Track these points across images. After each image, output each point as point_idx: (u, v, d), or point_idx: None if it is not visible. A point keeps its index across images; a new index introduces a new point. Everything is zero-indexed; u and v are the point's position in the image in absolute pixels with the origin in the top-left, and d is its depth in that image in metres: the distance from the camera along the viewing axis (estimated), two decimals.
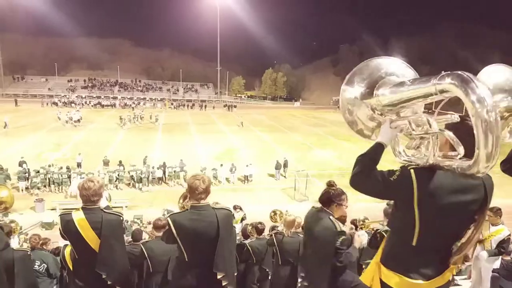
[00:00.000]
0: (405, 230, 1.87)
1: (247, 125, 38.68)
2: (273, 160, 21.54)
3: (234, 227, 3.41)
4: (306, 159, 24.38)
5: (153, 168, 19.17)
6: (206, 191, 2.86)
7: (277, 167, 20.61)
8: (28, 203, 15.79)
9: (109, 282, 3.00)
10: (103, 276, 2.97)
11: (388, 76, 1.99)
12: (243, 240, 6.06)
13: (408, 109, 1.96)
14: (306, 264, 3.37)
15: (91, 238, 2.94)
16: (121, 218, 3.14)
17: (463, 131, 1.66)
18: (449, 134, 1.73)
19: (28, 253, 3.59)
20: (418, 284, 1.86)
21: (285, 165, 20.91)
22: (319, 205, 3.28)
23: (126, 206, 15.74)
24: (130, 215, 14.04)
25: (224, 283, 2.89)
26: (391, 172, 1.86)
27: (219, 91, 72.80)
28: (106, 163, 20.37)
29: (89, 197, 2.94)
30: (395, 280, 1.92)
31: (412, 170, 1.80)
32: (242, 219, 12.20)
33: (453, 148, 1.74)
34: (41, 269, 5.01)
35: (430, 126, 1.78)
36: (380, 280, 1.99)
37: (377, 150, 1.95)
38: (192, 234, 2.78)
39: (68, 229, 2.94)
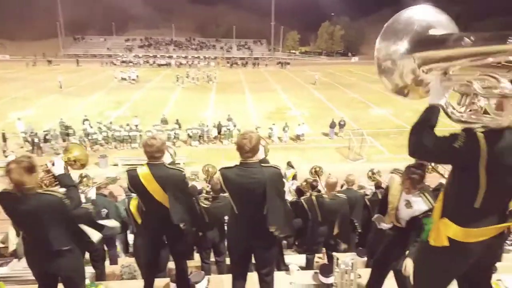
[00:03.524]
0: (467, 193, 1.84)
1: (300, 82, 37.78)
2: (327, 119, 20.95)
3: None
4: (362, 117, 23.42)
5: (207, 126, 19.52)
6: (253, 150, 2.89)
7: (332, 125, 20.04)
8: (92, 159, 16.92)
9: (184, 228, 3.23)
10: (181, 226, 3.19)
11: (427, 29, 1.85)
12: (297, 198, 6.11)
13: (456, 67, 1.80)
14: None
15: (156, 191, 3.13)
16: (184, 173, 3.28)
17: None
18: None
19: None
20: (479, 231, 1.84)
21: (342, 125, 20.25)
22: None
23: (184, 163, 16.35)
24: (187, 171, 14.54)
25: (276, 233, 2.98)
26: (453, 138, 1.76)
27: (273, 47, 71.18)
28: (164, 121, 21.09)
29: (153, 154, 3.13)
30: (457, 232, 1.89)
31: (480, 134, 1.72)
32: (294, 177, 12.20)
33: None
34: (102, 214, 5.40)
35: (500, 88, 1.61)
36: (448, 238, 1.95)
37: (432, 112, 1.84)
38: (239, 189, 2.92)
39: (134, 183, 3.15)
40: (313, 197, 5.06)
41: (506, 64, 1.61)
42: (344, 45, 77.07)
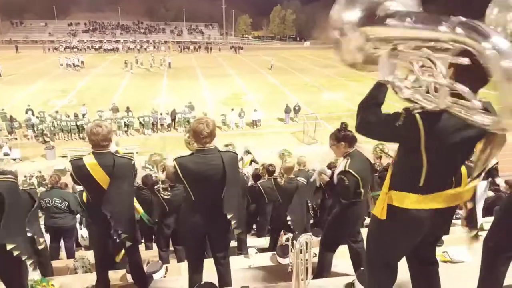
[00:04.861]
0: (412, 172, 1.88)
1: (255, 67, 37.76)
2: (282, 104, 21.17)
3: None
4: (315, 102, 23.93)
5: (161, 114, 19.05)
6: (211, 135, 2.83)
7: (287, 110, 20.30)
8: (39, 150, 16.00)
9: (112, 223, 3.04)
10: (108, 216, 3.01)
11: (386, 2, 1.80)
12: (253, 182, 6.18)
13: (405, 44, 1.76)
14: None
15: (104, 180, 2.98)
16: (132, 161, 3.16)
17: (476, 76, 1.54)
18: (460, 86, 1.56)
19: None
20: (427, 197, 1.88)
21: (297, 110, 20.55)
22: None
23: (137, 152, 15.87)
24: (141, 160, 14.18)
25: (233, 222, 2.98)
26: (396, 116, 1.79)
27: (225, 31, 70.23)
28: (115, 110, 20.22)
29: (99, 142, 2.96)
30: (404, 198, 1.94)
31: (417, 115, 1.74)
32: (251, 162, 12.31)
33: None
34: (62, 206, 5.31)
35: (436, 72, 1.60)
36: (388, 205, 2.01)
37: (379, 90, 1.86)
38: (198, 176, 2.84)
39: (81, 173, 2.98)
40: (272, 180, 5.15)
41: (449, 47, 1.59)
42: (296, 30, 77.73)
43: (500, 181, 6.41)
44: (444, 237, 4.06)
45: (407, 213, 1.94)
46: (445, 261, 3.49)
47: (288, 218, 5.00)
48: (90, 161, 2.95)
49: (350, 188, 3.11)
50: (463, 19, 1.48)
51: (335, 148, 3.29)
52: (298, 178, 5.02)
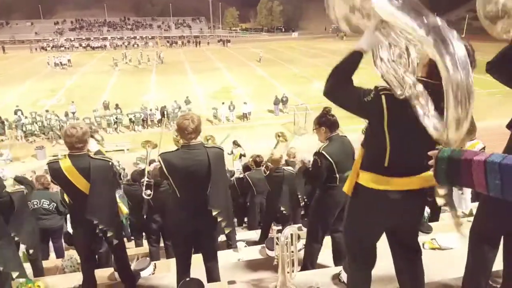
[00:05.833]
0: (377, 152, 1.90)
1: (243, 60, 37.55)
2: (271, 96, 21.13)
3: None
4: (305, 92, 23.92)
5: (150, 110, 18.89)
6: (196, 131, 2.81)
7: (276, 102, 20.31)
8: (29, 151, 15.83)
9: (100, 226, 3.02)
10: (95, 222, 2.99)
11: None
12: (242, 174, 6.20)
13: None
14: None
15: (81, 184, 2.93)
16: (110, 163, 3.07)
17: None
18: (420, 89, 1.64)
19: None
20: (392, 179, 1.89)
21: (284, 101, 20.54)
22: None
23: (128, 149, 15.78)
24: (132, 157, 14.09)
25: (219, 219, 2.98)
26: (366, 92, 1.81)
27: (212, 25, 69.64)
28: (106, 106, 20.07)
29: (73, 144, 2.89)
30: (370, 178, 1.96)
31: (383, 96, 1.78)
32: (241, 155, 12.32)
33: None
34: (51, 208, 5.26)
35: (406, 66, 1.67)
36: (356, 183, 2.05)
37: (354, 57, 1.83)
38: (183, 172, 2.82)
39: (58, 177, 2.94)
40: (260, 171, 5.15)
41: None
42: (283, 21, 77.26)
43: None
44: (432, 224, 4.11)
45: (371, 192, 1.96)
46: (433, 248, 3.52)
47: (282, 208, 5.02)
48: (65, 165, 2.90)
49: (322, 170, 3.16)
50: (439, 23, 1.48)
51: (317, 132, 3.35)
52: (285, 167, 5.03)
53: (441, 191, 1.66)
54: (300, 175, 5.61)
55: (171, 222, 3.12)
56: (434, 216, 4.73)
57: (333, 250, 3.62)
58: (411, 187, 1.91)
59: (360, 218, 2.11)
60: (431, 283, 2.70)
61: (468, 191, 5.79)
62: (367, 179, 1.98)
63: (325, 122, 3.25)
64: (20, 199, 3.76)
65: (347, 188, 2.12)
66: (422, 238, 3.61)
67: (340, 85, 1.87)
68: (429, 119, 1.63)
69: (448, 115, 1.45)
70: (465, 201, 5.04)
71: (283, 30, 76.03)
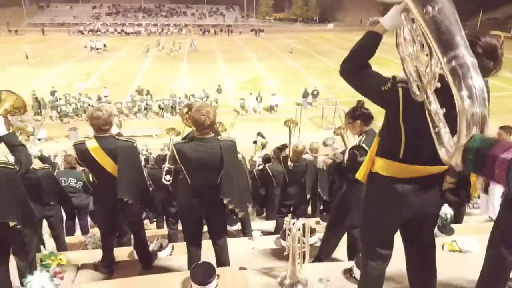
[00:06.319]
0: (393, 142, 1.88)
1: (275, 51, 37.26)
2: (301, 88, 20.87)
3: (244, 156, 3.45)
4: (336, 86, 23.43)
5: (179, 98, 19.21)
6: (212, 125, 2.86)
7: (305, 95, 20.04)
8: (63, 131, 16.50)
9: (131, 203, 3.17)
10: (129, 201, 3.14)
11: None
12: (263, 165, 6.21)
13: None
14: None
15: (108, 164, 3.05)
16: (134, 144, 3.20)
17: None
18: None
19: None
20: (408, 167, 1.86)
21: (315, 95, 20.19)
22: None
23: (156, 135, 16.14)
24: (160, 143, 14.43)
25: (230, 207, 3.08)
26: (383, 81, 1.77)
27: (246, 14, 69.32)
28: (140, 92, 20.59)
29: (100, 126, 3.01)
30: (385, 165, 1.94)
31: (400, 89, 1.74)
32: (263, 146, 12.39)
33: None
34: (77, 186, 5.50)
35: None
36: (370, 171, 2.04)
37: (371, 39, 1.79)
38: (195, 163, 2.89)
39: (84, 158, 3.06)
40: (280, 163, 5.16)
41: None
42: (319, 12, 75.81)
43: None
44: (454, 226, 4.00)
45: (386, 179, 1.94)
46: (453, 251, 3.44)
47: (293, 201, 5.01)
48: (92, 145, 3.01)
49: (359, 165, 3.08)
50: (468, 61, 1.35)
51: (350, 126, 3.28)
52: (305, 156, 5.00)
53: (450, 179, 1.64)
54: (323, 172, 5.60)
55: (181, 208, 3.22)
56: (458, 218, 4.60)
57: (348, 245, 3.60)
58: (426, 174, 1.88)
59: (376, 206, 2.09)
60: (445, 285, 2.64)
61: (496, 196, 5.54)
62: (382, 167, 1.96)
63: (360, 116, 3.17)
64: (46, 176, 3.96)
65: (361, 175, 2.11)
66: (443, 239, 3.54)
67: (355, 66, 1.84)
68: (441, 138, 1.55)
69: (460, 141, 1.38)
70: (493, 206, 4.86)
71: (318, 21, 74.66)
